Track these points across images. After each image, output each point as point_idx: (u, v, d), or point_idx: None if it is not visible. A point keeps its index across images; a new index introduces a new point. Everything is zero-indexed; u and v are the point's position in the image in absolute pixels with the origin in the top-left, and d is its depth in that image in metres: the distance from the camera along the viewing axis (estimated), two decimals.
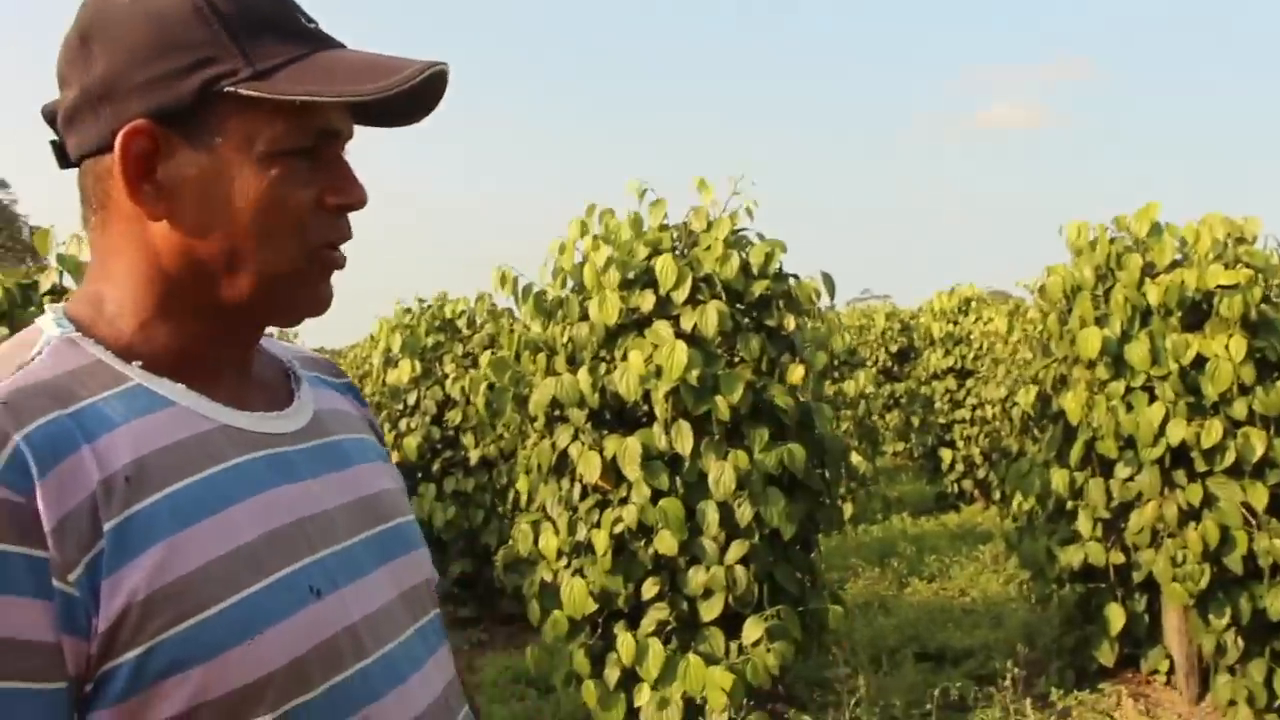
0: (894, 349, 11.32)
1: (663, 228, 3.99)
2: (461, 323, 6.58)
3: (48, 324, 0.87)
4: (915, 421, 10.31)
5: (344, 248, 0.94)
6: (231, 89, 0.83)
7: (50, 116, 0.90)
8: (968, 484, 9.48)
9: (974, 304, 10.07)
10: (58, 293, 3.73)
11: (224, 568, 0.80)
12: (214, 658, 0.77)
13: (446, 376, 6.27)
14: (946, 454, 9.51)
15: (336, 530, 0.92)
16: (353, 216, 0.94)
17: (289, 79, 0.84)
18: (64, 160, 0.91)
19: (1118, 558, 4.53)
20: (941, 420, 9.65)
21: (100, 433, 0.79)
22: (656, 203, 3.94)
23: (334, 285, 0.95)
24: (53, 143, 0.91)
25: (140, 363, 0.86)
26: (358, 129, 0.95)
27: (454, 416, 6.24)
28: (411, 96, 0.89)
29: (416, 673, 0.94)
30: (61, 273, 3.76)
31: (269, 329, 0.98)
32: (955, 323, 9.99)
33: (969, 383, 9.44)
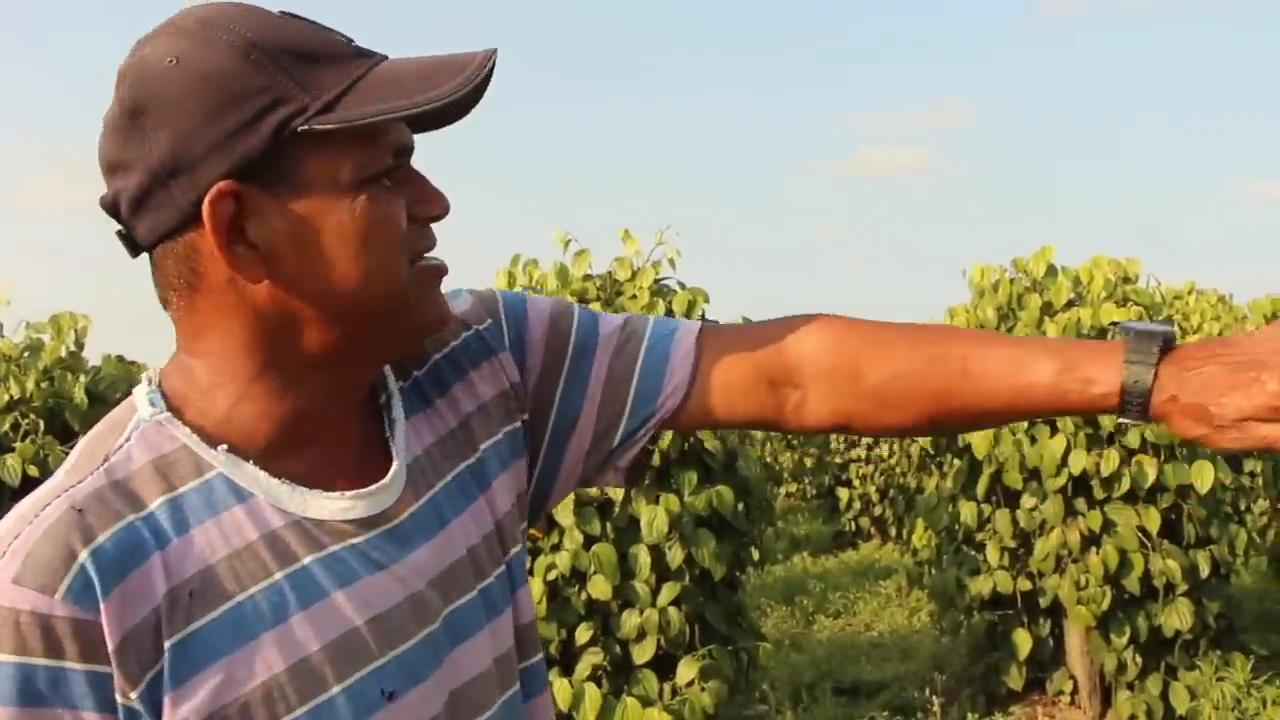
0: None
1: (586, 277, 4.06)
2: None
3: (141, 401, 0.83)
4: (809, 462, 10.53)
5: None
6: (304, 127, 0.78)
7: (111, 206, 0.83)
8: (865, 521, 9.68)
9: None
10: None
11: (285, 684, 0.78)
12: None
13: None
14: (844, 493, 9.70)
15: (425, 612, 0.87)
16: None
17: (357, 103, 0.79)
18: (134, 249, 0.84)
19: (1024, 585, 4.74)
20: (838, 460, 9.87)
21: (173, 537, 0.78)
22: (580, 253, 4.02)
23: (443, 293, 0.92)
24: (120, 234, 0.84)
25: (226, 446, 0.82)
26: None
27: None
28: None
29: None
30: None
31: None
32: None
33: None
